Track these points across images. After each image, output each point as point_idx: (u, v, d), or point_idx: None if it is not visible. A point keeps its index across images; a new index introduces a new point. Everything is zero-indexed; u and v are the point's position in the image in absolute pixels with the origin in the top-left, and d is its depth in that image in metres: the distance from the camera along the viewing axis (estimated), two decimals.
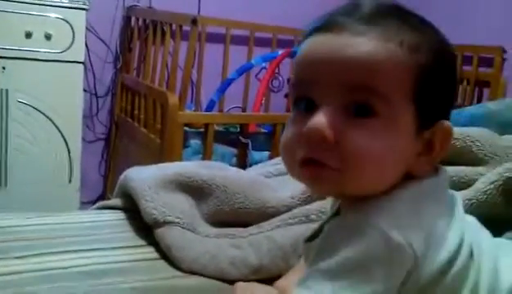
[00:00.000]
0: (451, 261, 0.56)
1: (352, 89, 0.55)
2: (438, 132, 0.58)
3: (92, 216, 1.04)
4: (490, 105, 1.11)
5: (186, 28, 2.10)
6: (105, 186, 2.73)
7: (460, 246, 0.57)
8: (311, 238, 0.68)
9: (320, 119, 0.55)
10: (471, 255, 0.58)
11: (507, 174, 0.83)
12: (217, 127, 2.28)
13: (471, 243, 0.58)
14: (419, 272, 0.54)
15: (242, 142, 2.15)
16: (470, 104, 2.52)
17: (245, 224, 0.93)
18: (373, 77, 0.54)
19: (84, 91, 2.45)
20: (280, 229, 0.87)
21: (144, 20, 2.51)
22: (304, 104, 0.58)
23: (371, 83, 0.54)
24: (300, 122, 0.57)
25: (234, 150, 2.25)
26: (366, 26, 0.55)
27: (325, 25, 0.57)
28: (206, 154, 2.04)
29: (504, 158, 0.94)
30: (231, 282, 0.80)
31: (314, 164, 0.56)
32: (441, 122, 0.58)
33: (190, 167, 0.98)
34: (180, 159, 2.01)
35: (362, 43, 0.54)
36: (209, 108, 2.49)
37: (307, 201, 0.92)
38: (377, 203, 0.56)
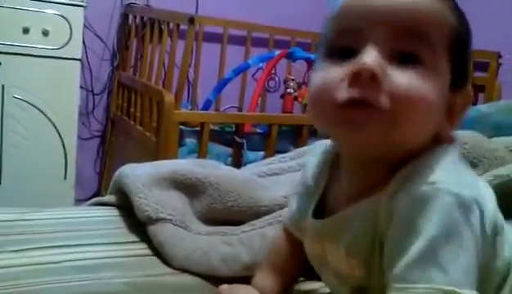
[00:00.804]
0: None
1: (402, 34, 0.56)
2: (460, 97, 0.60)
3: (87, 211, 1.05)
4: (482, 108, 1.12)
5: (184, 27, 2.11)
6: (100, 184, 2.74)
7: None
8: (318, 214, 0.67)
9: (369, 56, 0.54)
10: None
11: (496, 181, 0.85)
12: (212, 127, 2.28)
13: None
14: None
15: (237, 142, 2.16)
16: None
17: (238, 223, 0.94)
18: (427, 24, 0.56)
19: (81, 87, 2.45)
20: (271, 226, 0.88)
21: (141, 18, 2.52)
22: (339, 53, 0.58)
23: (425, 30, 0.56)
24: (338, 66, 0.57)
25: (229, 150, 2.25)
26: None
27: None
28: (201, 153, 2.05)
29: (493, 161, 0.95)
30: (222, 279, 0.81)
31: (362, 105, 0.54)
32: (466, 87, 0.61)
33: (185, 165, 0.99)
34: (175, 158, 2.02)
35: None
36: (206, 107, 2.50)
37: None
38: (427, 165, 0.56)
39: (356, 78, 0.54)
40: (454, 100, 0.60)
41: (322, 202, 0.68)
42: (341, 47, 0.58)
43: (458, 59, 0.59)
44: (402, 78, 0.55)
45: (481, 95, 2.56)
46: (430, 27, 0.57)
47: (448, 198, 0.52)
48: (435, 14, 0.57)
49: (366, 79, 0.54)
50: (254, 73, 2.56)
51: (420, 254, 0.52)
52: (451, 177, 0.55)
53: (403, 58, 0.56)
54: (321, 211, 0.67)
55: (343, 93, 0.55)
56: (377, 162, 0.60)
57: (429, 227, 0.52)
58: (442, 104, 0.58)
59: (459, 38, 0.59)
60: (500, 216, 0.61)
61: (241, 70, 2.58)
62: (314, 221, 0.67)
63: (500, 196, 0.63)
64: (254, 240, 0.87)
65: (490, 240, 0.57)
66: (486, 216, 0.55)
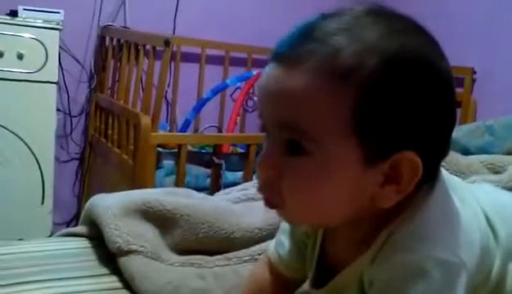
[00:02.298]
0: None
1: (282, 126, 0.54)
2: (404, 162, 0.53)
3: (57, 243, 1.03)
4: None
5: (160, 48, 2.11)
6: (79, 207, 2.70)
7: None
8: (316, 280, 0.66)
9: (263, 156, 0.56)
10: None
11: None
12: (190, 148, 2.27)
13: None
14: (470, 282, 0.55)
15: (216, 163, 2.15)
16: None
17: (212, 252, 0.94)
18: (296, 116, 0.52)
19: (58, 110, 2.44)
20: (247, 264, 0.87)
21: (118, 40, 2.51)
22: (266, 131, 0.59)
23: (297, 122, 0.52)
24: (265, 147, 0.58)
25: (208, 171, 2.24)
26: (301, 57, 0.52)
27: (273, 55, 0.55)
28: (179, 175, 2.03)
29: (468, 175, 0.98)
30: None
31: (268, 202, 0.58)
32: (400, 153, 0.52)
33: (156, 196, 0.98)
34: (153, 181, 2.01)
35: (290, 79, 0.52)
36: (185, 127, 2.49)
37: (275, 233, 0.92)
38: (410, 232, 0.54)
39: (258, 177, 0.58)
40: (396, 166, 0.53)
41: (323, 260, 0.67)
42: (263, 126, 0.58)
43: (370, 126, 0.51)
44: (289, 176, 0.54)
45: (458, 111, 2.59)
46: (303, 118, 0.51)
47: (431, 266, 0.52)
48: (309, 102, 0.51)
49: (262, 179, 0.57)
50: (232, 93, 2.56)
51: None
52: (432, 241, 0.53)
53: (292, 146, 0.53)
54: (323, 269, 0.66)
55: (259, 185, 0.59)
56: (353, 223, 0.58)
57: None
58: (353, 185, 0.53)
59: (366, 101, 0.50)
60: (487, 233, 0.61)
61: (219, 90, 2.58)
62: (314, 291, 0.66)
63: None
64: (228, 277, 0.85)
65: (480, 272, 0.58)
66: (470, 269, 0.54)
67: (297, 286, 0.73)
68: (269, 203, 0.58)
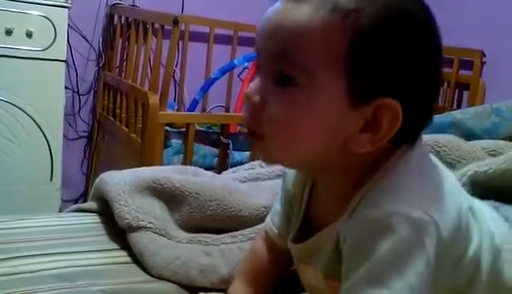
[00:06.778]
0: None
1: (276, 57, 0.56)
2: (386, 111, 0.55)
3: (67, 218, 1.05)
4: (455, 114, 1.14)
5: (168, 27, 2.10)
6: (87, 184, 2.73)
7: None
8: (297, 239, 0.68)
9: (251, 85, 0.58)
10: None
11: (470, 173, 0.88)
12: (198, 127, 2.28)
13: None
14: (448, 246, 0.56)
15: (223, 142, 2.16)
16: (451, 106, 2.55)
17: (218, 230, 0.95)
18: (293, 47, 0.54)
19: (67, 88, 2.44)
20: (252, 241, 0.88)
21: (127, 19, 2.51)
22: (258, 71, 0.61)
23: (291, 53, 0.54)
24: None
25: (215, 150, 2.25)
26: None
27: None
28: (187, 154, 2.05)
29: (470, 161, 0.97)
30: (200, 289, 0.82)
31: (250, 133, 0.59)
32: (383, 98, 0.54)
33: (164, 173, 0.99)
34: (161, 159, 2.02)
35: (291, 12, 0.54)
36: (192, 107, 2.49)
37: None
38: (381, 185, 0.56)
39: (245, 107, 0.60)
40: (377, 114, 0.55)
41: (307, 221, 0.68)
42: (258, 65, 0.60)
43: (360, 68, 0.54)
44: (274, 103, 0.56)
45: (465, 94, 2.58)
46: (298, 50, 0.54)
47: (398, 222, 0.52)
48: (305, 35, 0.54)
49: (247, 107, 0.59)
50: (240, 73, 2.56)
51: (367, 274, 0.52)
52: (403, 198, 0.54)
53: (282, 78, 0.56)
54: (306, 230, 0.68)
55: (244, 115, 0.61)
56: (333, 175, 0.61)
57: (378, 252, 0.52)
58: (336, 124, 0.55)
59: (360, 44, 0.53)
60: (467, 213, 0.62)
61: (227, 70, 2.58)
62: (292, 245, 0.69)
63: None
64: (234, 253, 0.87)
65: (455, 243, 0.58)
66: (443, 231, 0.55)
67: (290, 257, 0.73)
68: (252, 136, 0.59)
